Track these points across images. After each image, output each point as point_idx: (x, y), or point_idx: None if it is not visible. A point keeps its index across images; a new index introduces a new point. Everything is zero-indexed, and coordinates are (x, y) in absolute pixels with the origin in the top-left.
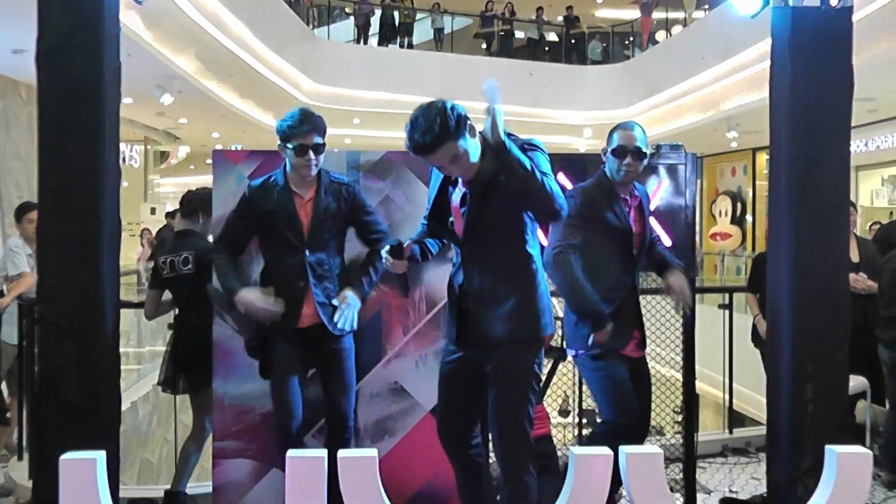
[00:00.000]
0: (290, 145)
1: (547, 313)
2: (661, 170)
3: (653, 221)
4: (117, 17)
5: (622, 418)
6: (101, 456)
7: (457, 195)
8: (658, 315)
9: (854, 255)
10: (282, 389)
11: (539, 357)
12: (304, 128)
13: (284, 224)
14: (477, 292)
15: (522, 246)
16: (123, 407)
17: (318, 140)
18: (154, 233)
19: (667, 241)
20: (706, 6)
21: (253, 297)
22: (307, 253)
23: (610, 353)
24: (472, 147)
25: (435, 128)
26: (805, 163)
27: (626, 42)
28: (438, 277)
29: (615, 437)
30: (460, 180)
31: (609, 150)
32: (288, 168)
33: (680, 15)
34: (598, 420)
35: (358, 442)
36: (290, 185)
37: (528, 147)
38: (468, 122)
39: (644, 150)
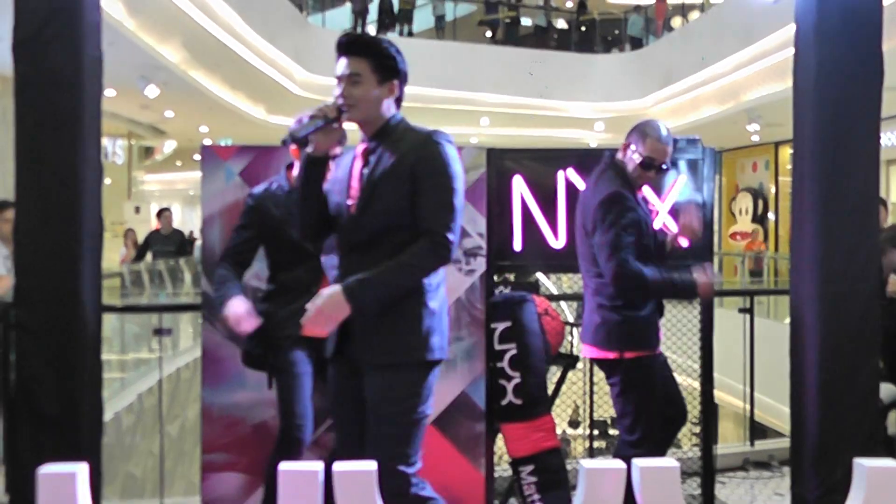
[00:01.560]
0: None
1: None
2: (678, 165)
3: (668, 220)
4: (98, 3)
5: (672, 426)
6: (82, 469)
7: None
8: (674, 321)
9: None
10: (298, 399)
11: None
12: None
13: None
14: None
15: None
16: (106, 417)
17: (339, 150)
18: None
19: (683, 241)
20: None
21: (242, 311)
22: (322, 257)
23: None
24: (382, 95)
25: (367, 37)
26: (832, 157)
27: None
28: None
29: (653, 448)
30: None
31: (635, 156)
32: (294, 172)
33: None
34: (629, 430)
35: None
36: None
37: (431, 143)
38: (398, 76)
39: (666, 167)
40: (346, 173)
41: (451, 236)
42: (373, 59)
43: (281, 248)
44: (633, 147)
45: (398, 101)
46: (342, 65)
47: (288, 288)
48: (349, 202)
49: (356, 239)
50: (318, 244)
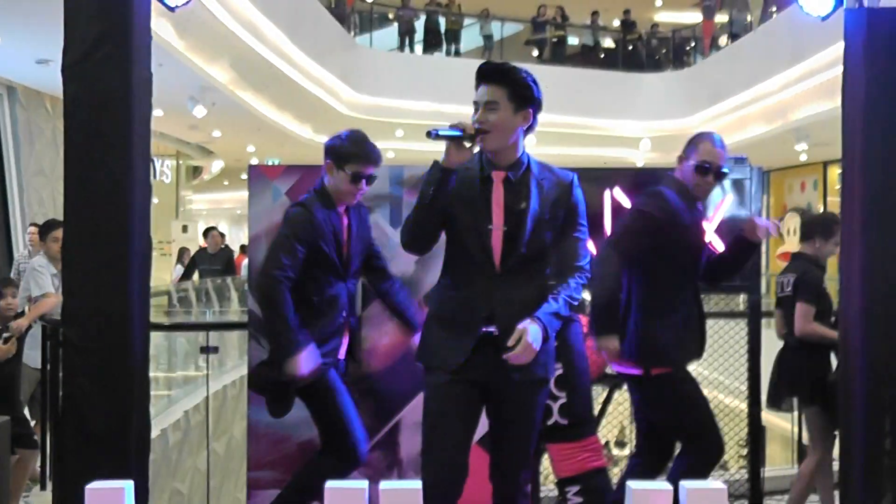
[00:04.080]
0: (347, 169)
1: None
2: (725, 184)
3: (715, 239)
4: (148, 24)
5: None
6: (128, 485)
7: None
8: (721, 341)
9: None
10: (350, 415)
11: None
12: (368, 156)
13: (335, 250)
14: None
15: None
16: (153, 434)
17: (373, 171)
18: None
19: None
20: (773, 9)
21: (314, 366)
22: (348, 282)
23: None
24: (517, 123)
25: (506, 66)
26: (881, 177)
27: (687, 48)
28: None
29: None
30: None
31: (690, 163)
32: (328, 188)
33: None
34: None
35: (401, 474)
36: (336, 207)
37: (575, 188)
38: (534, 104)
39: (726, 170)
40: (475, 195)
41: (588, 269)
42: (510, 87)
43: (321, 266)
44: (687, 156)
45: (530, 129)
46: (481, 92)
47: (322, 311)
48: (491, 227)
49: (507, 265)
50: (422, 253)
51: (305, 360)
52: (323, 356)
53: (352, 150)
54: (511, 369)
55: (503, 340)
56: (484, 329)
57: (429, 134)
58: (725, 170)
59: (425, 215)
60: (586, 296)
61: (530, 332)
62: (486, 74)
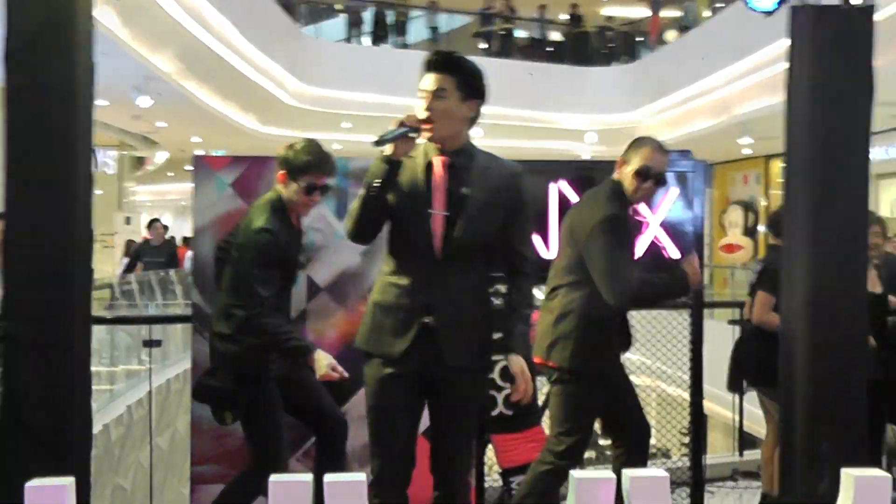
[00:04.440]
0: (301, 181)
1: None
2: (669, 178)
3: (660, 233)
4: (90, 12)
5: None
6: (70, 482)
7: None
8: (664, 332)
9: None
10: (280, 427)
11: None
12: (322, 167)
13: (293, 260)
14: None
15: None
16: (95, 429)
17: (328, 181)
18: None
19: (675, 254)
20: (718, 3)
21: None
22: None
23: None
24: (464, 113)
25: (455, 56)
26: (822, 171)
27: (635, 42)
28: None
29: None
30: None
31: (630, 169)
32: (284, 200)
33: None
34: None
35: (345, 466)
36: (291, 220)
37: (519, 177)
38: (480, 95)
39: (666, 176)
40: (418, 181)
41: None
42: (459, 76)
43: (284, 275)
44: (627, 160)
45: (474, 119)
46: (428, 80)
47: (282, 311)
48: (432, 211)
49: (448, 251)
50: (367, 243)
51: (325, 355)
52: (272, 362)
53: (307, 161)
54: (448, 359)
55: (440, 330)
56: (423, 320)
57: (376, 143)
58: (666, 176)
59: (372, 206)
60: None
61: (520, 364)
62: (436, 63)
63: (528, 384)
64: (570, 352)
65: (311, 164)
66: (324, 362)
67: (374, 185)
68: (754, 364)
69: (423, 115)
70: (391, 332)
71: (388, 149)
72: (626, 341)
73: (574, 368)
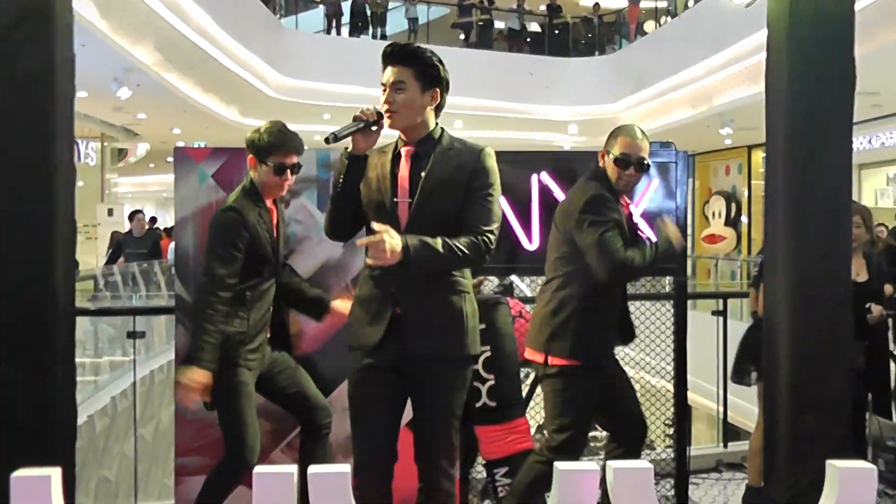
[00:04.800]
0: (269, 162)
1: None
2: (651, 169)
3: (642, 223)
4: (70, 4)
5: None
6: (55, 473)
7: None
8: (648, 323)
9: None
10: (252, 422)
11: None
12: (287, 146)
13: (269, 246)
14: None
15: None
16: (79, 421)
17: (297, 160)
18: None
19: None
20: None
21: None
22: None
23: None
24: (425, 103)
25: (412, 47)
26: (804, 161)
27: (613, 33)
28: None
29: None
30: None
31: (611, 157)
32: (256, 184)
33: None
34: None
35: (330, 458)
36: (265, 203)
37: (483, 157)
38: (441, 84)
39: (647, 161)
40: (385, 172)
41: (493, 237)
42: (416, 68)
43: (256, 264)
44: (608, 150)
45: (439, 108)
46: (387, 73)
47: (253, 306)
48: (397, 200)
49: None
50: (345, 240)
51: (203, 377)
52: (249, 352)
53: (271, 142)
54: (410, 347)
55: (404, 318)
56: (395, 310)
57: (327, 140)
58: (647, 161)
59: (340, 204)
60: (514, 278)
61: (393, 235)
62: (392, 56)
63: (377, 248)
64: (570, 343)
65: (275, 145)
66: (195, 377)
67: (339, 182)
68: (759, 354)
69: (383, 108)
70: (367, 323)
71: (350, 147)
72: (628, 334)
73: (575, 361)
